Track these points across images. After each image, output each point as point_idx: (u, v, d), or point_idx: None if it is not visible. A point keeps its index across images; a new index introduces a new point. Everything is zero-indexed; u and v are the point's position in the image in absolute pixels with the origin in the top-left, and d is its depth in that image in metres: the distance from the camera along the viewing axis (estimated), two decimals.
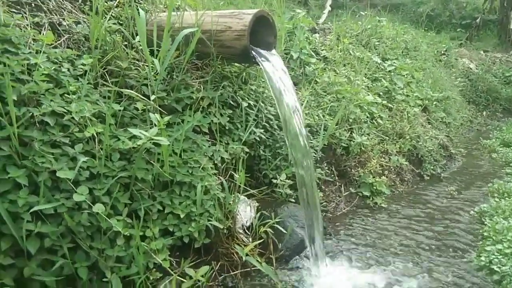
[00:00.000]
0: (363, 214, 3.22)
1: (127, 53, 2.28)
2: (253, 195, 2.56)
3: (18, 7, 2.10)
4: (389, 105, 4.54)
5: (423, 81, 5.74)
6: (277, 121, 2.92)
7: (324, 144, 3.24)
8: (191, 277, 1.86)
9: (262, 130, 2.75)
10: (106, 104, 1.95)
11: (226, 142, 2.51)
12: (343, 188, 3.43)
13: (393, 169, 3.91)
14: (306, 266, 2.35)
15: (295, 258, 2.41)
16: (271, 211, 2.44)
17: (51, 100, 1.73)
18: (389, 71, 5.14)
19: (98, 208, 1.65)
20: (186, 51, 2.28)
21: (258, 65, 2.26)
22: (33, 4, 2.18)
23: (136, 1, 2.66)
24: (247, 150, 2.56)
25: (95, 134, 1.81)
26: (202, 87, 2.43)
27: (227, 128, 2.53)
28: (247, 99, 2.73)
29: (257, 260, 2.09)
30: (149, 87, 2.16)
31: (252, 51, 2.21)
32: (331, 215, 3.12)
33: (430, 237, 2.83)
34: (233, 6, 4.20)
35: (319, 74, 3.92)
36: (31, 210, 1.49)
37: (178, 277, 1.86)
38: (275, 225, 2.32)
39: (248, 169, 2.63)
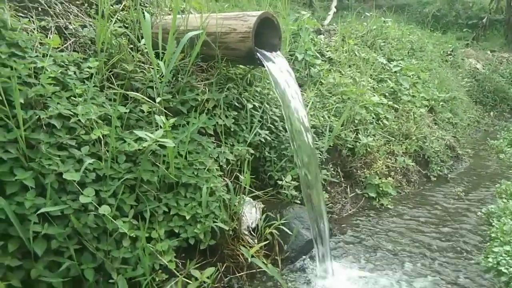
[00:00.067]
0: (369, 215, 3.21)
1: (132, 56, 2.30)
2: (258, 196, 2.56)
3: (25, 11, 2.12)
4: (395, 106, 4.52)
5: (429, 81, 5.71)
6: (282, 123, 2.92)
7: (330, 145, 3.24)
8: (196, 279, 1.86)
9: (267, 132, 2.75)
10: (112, 107, 1.96)
11: (231, 143, 2.52)
12: (349, 190, 3.42)
13: (399, 170, 3.89)
14: (312, 268, 2.34)
15: (300, 259, 2.40)
16: (277, 213, 2.45)
17: (58, 103, 1.75)
18: (395, 71, 5.12)
19: (104, 210, 1.66)
20: (191, 53, 2.29)
21: (263, 66, 2.27)
22: (39, 8, 2.20)
23: (142, 4, 2.68)
24: (252, 151, 2.57)
25: (101, 136, 1.82)
26: (207, 89, 2.44)
27: (232, 129, 2.54)
28: (252, 100, 2.73)
29: (263, 262, 2.09)
30: (154, 89, 2.18)
31: (257, 53, 2.22)
32: (337, 217, 3.11)
33: (437, 239, 2.81)
34: (238, 8, 4.22)
35: (324, 75, 3.92)
36: (38, 212, 1.51)
37: (183, 279, 1.86)
38: (281, 226, 2.32)
39: (253, 171, 2.64)
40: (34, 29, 2.03)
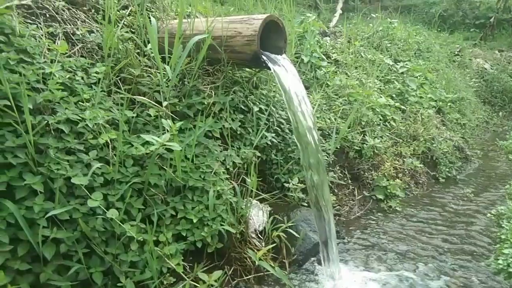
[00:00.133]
0: (377, 217, 3.19)
1: (139, 60, 2.32)
2: (265, 199, 2.56)
3: (33, 17, 2.15)
4: (402, 107, 4.50)
5: (437, 82, 5.67)
6: (288, 125, 2.92)
7: (337, 148, 3.23)
8: (204, 282, 1.87)
9: (273, 134, 2.76)
10: (119, 111, 1.98)
11: (237, 146, 2.52)
12: (356, 192, 3.41)
13: (407, 172, 3.86)
14: (320, 270, 2.33)
15: (308, 262, 2.40)
16: (284, 215, 2.44)
17: (66, 108, 1.76)
18: (402, 73, 5.10)
19: (112, 213, 1.67)
20: (197, 57, 2.30)
21: (269, 69, 2.27)
22: (47, 15, 2.22)
23: (148, 9, 2.70)
24: (258, 154, 2.57)
25: (108, 141, 1.84)
26: (213, 93, 2.45)
27: (238, 132, 2.54)
28: (258, 103, 2.74)
29: (270, 265, 2.08)
30: (161, 93, 2.19)
31: (263, 56, 2.22)
32: (344, 219, 3.10)
33: (446, 241, 2.79)
34: (244, 12, 4.24)
35: (330, 77, 3.92)
36: (46, 216, 1.52)
37: (191, 282, 1.87)
38: (288, 229, 2.31)
39: (260, 174, 2.64)
40: (42, 35, 2.05)
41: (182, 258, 1.92)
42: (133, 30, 2.51)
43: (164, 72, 2.15)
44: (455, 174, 4.28)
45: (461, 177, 4.29)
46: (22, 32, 1.87)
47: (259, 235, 2.33)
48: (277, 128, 2.86)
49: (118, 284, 1.70)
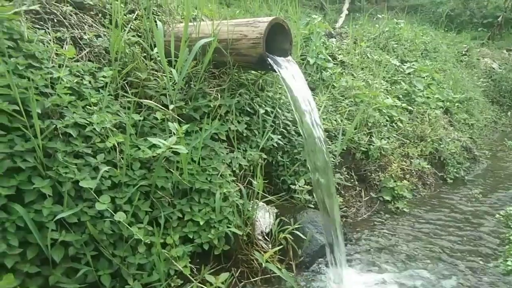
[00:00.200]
0: (384, 219, 3.17)
1: (146, 64, 2.34)
2: (271, 201, 2.56)
3: (41, 22, 2.17)
4: (409, 107, 4.48)
5: (444, 82, 5.64)
6: (294, 127, 2.92)
7: (343, 149, 3.22)
8: (211, 284, 1.88)
9: (279, 136, 2.76)
10: (127, 115, 2.00)
11: (243, 149, 2.53)
12: (363, 193, 3.40)
13: (414, 173, 3.84)
14: (327, 272, 2.33)
15: (315, 264, 2.39)
16: (290, 217, 2.44)
17: (74, 112, 1.78)
18: (408, 73, 5.08)
19: (119, 216, 1.69)
20: (203, 60, 2.32)
21: (274, 72, 2.28)
22: (55, 20, 2.25)
23: (154, 13, 2.72)
24: (265, 156, 2.57)
25: (116, 144, 1.86)
26: (219, 95, 2.46)
27: (244, 135, 2.55)
28: (264, 105, 2.74)
29: (277, 267, 2.09)
30: (167, 96, 2.21)
31: (268, 59, 2.23)
32: (351, 221, 3.09)
33: (455, 242, 2.77)
34: (250, 14, 4.25)
35: (336, 78, 3.91)
36: (55, 219, 1.54)
37: (198, 284, 1.88)
38: (295, 231, 2.31)
39: (266, 176, 2.65)
40: (50, 40, 2.08)
41: (189, 260, 1.93)
42: (140, 34, 2.53)
43: (171, 76, 2.17)
44: (463, 174, 4.25)
45: (469, 177, 4.25)
46: (31, 37, 1.90)
47: (265, 237, 2.33)
48: (283, 130, 2.86)
49: (126, 287, 1.71)
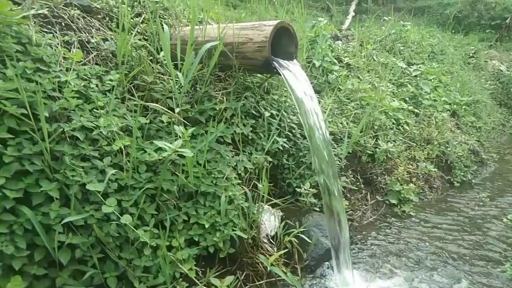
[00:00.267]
0: (390, 222, 3.16)
1: (152, 67, 2.35)
2: (277, 204, 2.56)
3: (49, 26, 2.20)
4: (416, 110, 4.46)
5: (451, 85, 5.61)
6: (300, 130, 2.92)
7: (349, 152, 3.22)
8: (216, 287, 1.88)
9: (285, 139, 2.76)
10: (133, 118, 2.01)
11: (249, 152, 2.53)
12: (369, 196, 3.39)
13: (421, 176, 3.82)
14: (332, 276, 2.32)
15: (321, 268, 2.38)
16: (296, 220, 2.44)
17: (81, 116, 1.80)
18: (415, 76, 5.06)
19: (126, 219, 1.70)
20: (209, 63, 2.32)
21: (280, 75, 2.28)
22: (63, 23, 2.28)
23: (161, 16, 2.74)
24: (270, 159, 2.58)
25: (122, 147, 1.87)
26: (225, 98, 2.47)
27: (250, 138, 2.55)
28: (269, 108, 2.75)
29: (282, 270, 2.08)
30: (173, 100, 2.22)
31: (274, 62, 2.23)
32: (357, 224, 3.08)
33: (461, 246, 2.75)
34: (256, 16, 4.26)
35: (342, 81, 3.91)
36: (62, 222, 1.55)
37: (204, 287, 1.88)
38: (300, 234, 2.31)
39: (272, 178, 2.65)
40: (58, 44, 2.10)
41: (195, 263, 1.93)
42: (146, 38, 2.55)
43: (177, 79, 2.18)
44: (471, 178, 4.22)
45: (476, 181, 4.22)
46: (39, 41, 1.92)
47: (271, 240, 2.33)
48: (289, 133, 2.87)
49: None
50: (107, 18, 2.55)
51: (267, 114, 2.67)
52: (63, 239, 1.57)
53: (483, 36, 11.13)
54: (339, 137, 3.27)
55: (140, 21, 2.61)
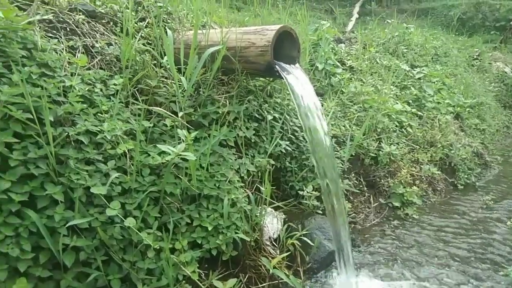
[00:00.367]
0: (393, 225, 3.16)
1: (156, 71, 2.38)
2: (279, 207, 2.57)
3: (54, 31, 2.23)
4: (419, 113, 4.46)
5: (455, 87, 5.60)
6: (302, 133, 2.93)
7: (352, 155, 3.22)
8: None
9: (287, 142, 2.77)
10: (137, 122, 2.03)
11: (252, 155, 2.55)
12: (372, 199, 3.39)
13: (424, 179, 3.82)
14: (335, 279, 2.33)
15: (323, 270, 2.39)
16: (298, 223, 2.45)
17: (85, 120, 1.82)
18: (418, 78, 5.06)
19: (129, 222, 1.71)
20: (212, 67, 2.35)
21: (282, 79, 2.30)
22: (68, 28, 2.31)
23: (164, 20, 2.77)
24: (273, 162, 2.59)
25: (126, 151, 1.89)
26: (228, 102, 2.49)
27: (252, 141, 2.57)
28: (272, 112, 2.76)
29: (285, 273, 2.10)
30: (177, 103, 2.24)
31: (276, 66, 2.25)
32: (360, 227, 3.08)
33: (465, 249, 2.75)
34: (260, 18, 4.27)
35: (345, 84, 3.92)
36: (67, 225, 1.58)
37: None
38: (302, 237, 2.32)
39: (275, 181, 2.66)
40: (63, 49, 2.13)
41: (198, 265, 1.94)
42: (150, 42, 2.57)
43: (180, 83, 2.20)
44: (474, 180, 4.21)
45: (480, 183, 4.21)
46: (44, 47, 1.95)
47: (273, 243, 2.34)
48: (291, 136, 2.88)
49: None
50: (112, 23, 2.58)
51: (269, 117, 2.68)
52: (67, 241, 1.59)
53: (487, 37, 11.08)
54: (342, 140, 3.28)
55: (144, 25, 2.63)
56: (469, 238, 2.91)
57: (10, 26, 1.77)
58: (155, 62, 2.46)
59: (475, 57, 7.93)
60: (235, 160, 2.38)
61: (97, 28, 2.48)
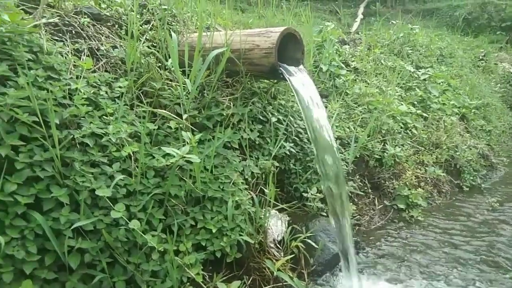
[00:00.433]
0: (398, 227, 3.15)
1: (160, 74, 2.38)
2: (284, 209, 2.57)
3: (60, 34, 2.24)
4: (424, 114, 4.44)
5: (460, 88, 5.57)
6: (307, 135, 2.93)
7: (356, 157, 3.22)
8: None
9: (292, 144, 2.77)
10: (141, 124, 2.04)
11: (256, 157, 2.55)
12: (377, 201, 3.38)
13: (429, 181, 3.80)
14: (339, 282, 2.32)
15: (327, 273, 2.39)
16: (303, 225, 2.45)
17: (91, 122, 1.84)
18: (423, 79, 5.04)
19: (134, 224, 1.72)
20: (216, 70, 2.35)
21: (286, 81, 2.30)
22: (73, 31, 2.32)
23: (169, 23, 2.78)
24: (277, 164, 2.59)
25: (131, 153, 1.90)
26: (232, 104, 2.49)
27: (257, 143, 2.57)
28: (276, 114, 2.77)
29: (289, 275, 2.09)
30: (181, 106, 2.25)
31: (280, 68, 2.25)
32: (364, 229, 3.07)
33: (471, 252, 2.73)
34: (263, 20, 4.28)
35: (349, 85, 3.91)
36: (72, 227, 1.59)
37: None
38: (307, 239, 2.32)
39: (279, 183, 2.66)
40: (69, 52, 2.14)
41: (202, 267, 1.95)
42: (155, 44, 2.58)
43: (184, 85, 2.21)
44: (480, 182, 4.18)
45: (486, 185, 4.18)
46: (50, 50, 1.96)
47: (277, 245, 2.34)
48: (296, 138, 2.88)
49: None
50: (117, 26, 2.60)
51: (274, 119, 2.68)
52: (73, 244, 1.60)
53: (493, 38, 11.01)
54: (346, 142, 3.28)
55: (149, 28, 2.64)
56: (475, 241, 2.89)
57: (16, 29, 1.79)
58: (160, 64, 2.47)
59: (480, 57, 7.89)
60: (239, 162, 2.38)
61: (102, 31, 2.49)
